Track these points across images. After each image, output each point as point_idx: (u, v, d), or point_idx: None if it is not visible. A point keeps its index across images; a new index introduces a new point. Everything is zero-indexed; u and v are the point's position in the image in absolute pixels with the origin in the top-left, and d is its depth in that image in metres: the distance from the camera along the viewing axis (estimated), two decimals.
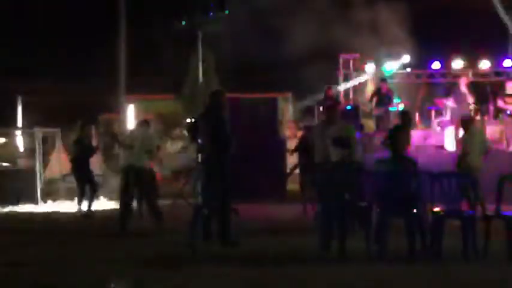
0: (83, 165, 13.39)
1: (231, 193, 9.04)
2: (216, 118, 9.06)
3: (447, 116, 16.64)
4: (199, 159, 9.42)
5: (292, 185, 15.21)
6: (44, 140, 18.87)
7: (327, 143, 8.84)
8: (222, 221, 8.92)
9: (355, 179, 8.53)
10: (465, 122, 11.91)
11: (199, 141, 9.32)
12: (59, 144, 17.82)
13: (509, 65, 18.35)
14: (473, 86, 16.53)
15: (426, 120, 17.75)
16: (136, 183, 10.95)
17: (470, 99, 15.96)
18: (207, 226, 9.07)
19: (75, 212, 13.23)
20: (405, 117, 12.09)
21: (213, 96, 9.39)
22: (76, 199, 13.59)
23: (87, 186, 13.27)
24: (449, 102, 16.43)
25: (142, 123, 11.70)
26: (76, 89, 27.72)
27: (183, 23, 26.56)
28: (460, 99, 16.00)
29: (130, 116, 23.26)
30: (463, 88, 16.04)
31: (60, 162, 17.12)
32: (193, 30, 25.43)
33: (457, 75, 17.87)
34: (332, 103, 10.04)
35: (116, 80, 20.13)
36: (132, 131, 12.37)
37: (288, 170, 15.42)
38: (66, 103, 26.06)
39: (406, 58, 18.86)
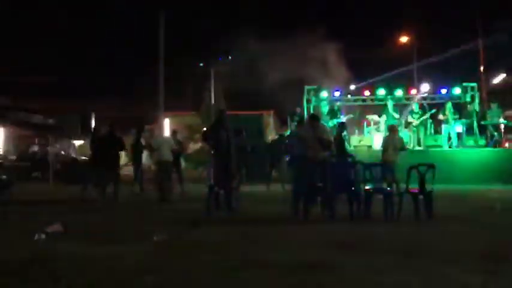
0: (137, 158, 13.20)
1: (233, 177, 9.07)
2: (224, 128, 9.07)
3: (376, 127, 16.75)
4: (212, 154, 9.42)
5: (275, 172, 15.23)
6: None
7: (310, 142, 8.29)
8: (227, 195, 8.93)
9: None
10: (389, 129, 11.99)
11: (210, 142, 9.35)
12: None
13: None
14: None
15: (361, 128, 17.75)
16: (166, 170, 11.06)
17: (396, 115, 16.09)
18: (217, 199, 9.06)
19: (133, 188, 12.75)
20: (342, 128, 11.90)
21: (219, 113, 9.51)
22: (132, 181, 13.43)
23: (139, 172, 13.07)
24: (380, 118, 16.53)
25: (172, 132, 11.96)
26: (130, 106, 27.65)
27: (201, 64, 26.68)
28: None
29: (166, 127, 23.32)
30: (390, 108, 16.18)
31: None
32: (208, 68, 25.51)
33: (380, 99, 17.88)
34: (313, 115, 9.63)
35: (156, 101, 20.15)
36: (156, 138, 12.28)
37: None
38: (123, 117, 26.01)
39: (351, 87, 18.81)
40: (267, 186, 13.51)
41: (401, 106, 17.29)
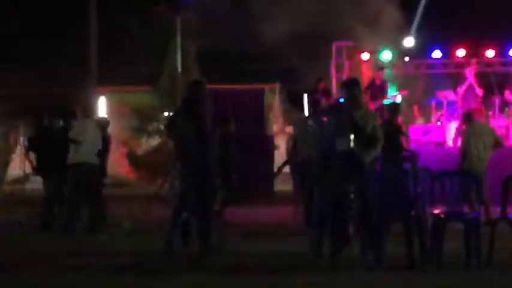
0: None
1: (214, 195, 9.08)
2: (198, 113, 9.06)
3: (450, 110, 16.71)
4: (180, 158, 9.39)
5: (281, 186, 15.24)
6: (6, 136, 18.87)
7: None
8: (204, 224, 8.90)
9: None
10: (465, 116, 11.98)
11: (178, 138, 9.32)
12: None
13: None
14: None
15: (426, 113, 17.75)
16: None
17: (479, 92, 16.02)
18: (187, 230, 9.09)
19: None
20: (394, 111, 11.78)
21: (192, 88, 9.36)
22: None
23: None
24: (453, 95, 16.49)
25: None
26: (42, 79, 27.56)
27: (160, 9, 26.50)
28: (467, 92, 16.08)
29: (102, 109, 23.24)
30: (471, 79, 16.09)
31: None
32: (171, 15, 25.37)
33: (460, 65, 17.87)
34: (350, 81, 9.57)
35: (86, 70, 20.07)
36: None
37: (276, 169, 15.39)
38: (31, 95, 25.90)
39: (409, 41, 18.70)
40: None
41: (488, 77, 17.28)
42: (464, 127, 12.06)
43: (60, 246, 9.88)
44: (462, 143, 11.73)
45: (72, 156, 11.21)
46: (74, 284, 7.00)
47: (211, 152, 9.05)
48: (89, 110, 12.15)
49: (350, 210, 8.33)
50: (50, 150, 12.10)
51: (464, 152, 11.49)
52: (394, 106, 12.43)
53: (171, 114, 11.11)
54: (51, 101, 21.27)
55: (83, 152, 11.15)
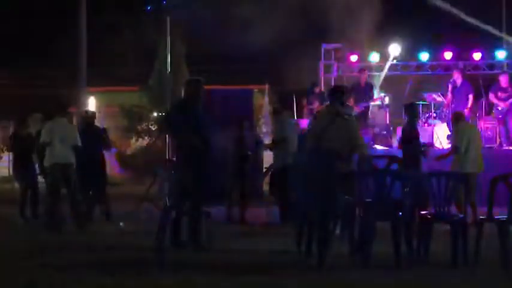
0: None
1: (204, 194, 9.08)
2: (197, 111, 9.12)
3: (437, 112, 16.74)
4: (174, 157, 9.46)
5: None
6: None
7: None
8: (194, 224, 8.93)
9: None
10: (456, 117, 11.99)
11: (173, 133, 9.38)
12: None
13: (503, 57, 18.40)
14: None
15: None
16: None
17: (470, 94, 16.05)
18: (177, 229, 9.09)
19: None
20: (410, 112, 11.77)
21: (190, 86, 9.42)
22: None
23: None
24: (439, 98, 16.52)
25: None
26: (32, 79, 27.47)
27: (149, 7, 26.45)
28: (458, 93, 16.11)
29: (91, 109, 23.12)
30: (459, 81, 16.10)
31: None
32: (160, 15, 25.30)
33: (447, 67, 17.92)
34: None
35: (75, 70, 20.01)
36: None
37: (264, 170, 15.40)
38: (21, 95, 25.84)
39: (395, 48, 18.77)
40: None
41: (475, 80, 17.31)
42: (455, 128, 12.02)
43: (48, 243, 9.84)
44: (454, 144, 11.65)
45: (47, 158, 11.20)
46: (63, 283, 6.95)
47: (209, 149, 9.13)
48: (65, 110, 11.96)
49: (337, 211, 8.36)
50: (24, 152, 12.32)
51: (457, 153, 11.43)
52: (411, 107, 12.42)
53: (163, 112, 11.16)
54: (40, 101, 21.19)
55: (55, 153, 11.10)
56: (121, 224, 11.54)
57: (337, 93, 9.04)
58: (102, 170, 12.46)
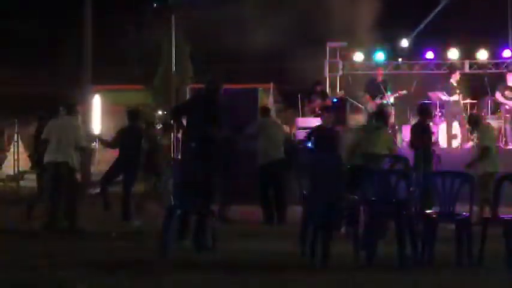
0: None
1: (214, 193, 9.16)
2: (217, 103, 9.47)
3: (442, 111, 16.72)
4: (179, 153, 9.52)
5: None
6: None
7: None
8: (199, 223, 8.89)
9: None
10: (474, 120, 12.03)
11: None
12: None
13: (509, 56, 18.37)
14: (466, 80, 16.64)
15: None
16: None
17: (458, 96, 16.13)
18: (185, 227, 9.08)
19: None
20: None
21: (210, 86, 9.83)
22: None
23: None
24: (444, 96, 16.51)
25: None
26: (37, 78, 27.51)
27: (155, 5, 26.38)
28: (449, 94, 16.17)
29: (97, 108, 23.18)
30: (453, 82, 16.16)
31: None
32: (165, 14, 25.30)
33: (452, 67, 17.88)
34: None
35: (80, 69, 20.01)
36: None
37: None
38: (25, 94, 25.86)
39: (404, 43, 18.70)
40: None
41: (481, 78, 17.32)
42: (477, 130, 12.08)
43: (49, 245, 9.82)
44: (483, 146, 11.65)
45: (46, 155, 11.11)
46: (63, 283, 6.94)
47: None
48: (72, 108, 11.79)
49: (342, 210, 8.36)
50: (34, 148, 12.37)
51: (488, 154, 11.46)
52: (422, 107, 12.51)
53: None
54: (46, 100, 21.21)
55: (50, 151, 11.01)
56: (136, 222, 11.51)
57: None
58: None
